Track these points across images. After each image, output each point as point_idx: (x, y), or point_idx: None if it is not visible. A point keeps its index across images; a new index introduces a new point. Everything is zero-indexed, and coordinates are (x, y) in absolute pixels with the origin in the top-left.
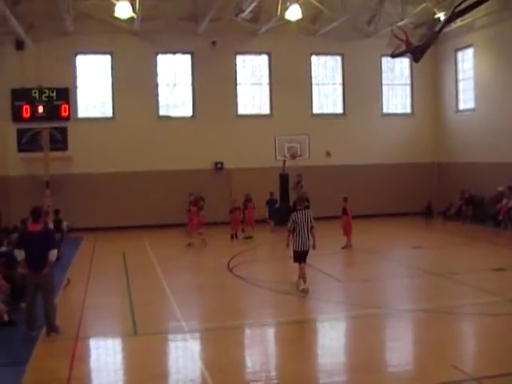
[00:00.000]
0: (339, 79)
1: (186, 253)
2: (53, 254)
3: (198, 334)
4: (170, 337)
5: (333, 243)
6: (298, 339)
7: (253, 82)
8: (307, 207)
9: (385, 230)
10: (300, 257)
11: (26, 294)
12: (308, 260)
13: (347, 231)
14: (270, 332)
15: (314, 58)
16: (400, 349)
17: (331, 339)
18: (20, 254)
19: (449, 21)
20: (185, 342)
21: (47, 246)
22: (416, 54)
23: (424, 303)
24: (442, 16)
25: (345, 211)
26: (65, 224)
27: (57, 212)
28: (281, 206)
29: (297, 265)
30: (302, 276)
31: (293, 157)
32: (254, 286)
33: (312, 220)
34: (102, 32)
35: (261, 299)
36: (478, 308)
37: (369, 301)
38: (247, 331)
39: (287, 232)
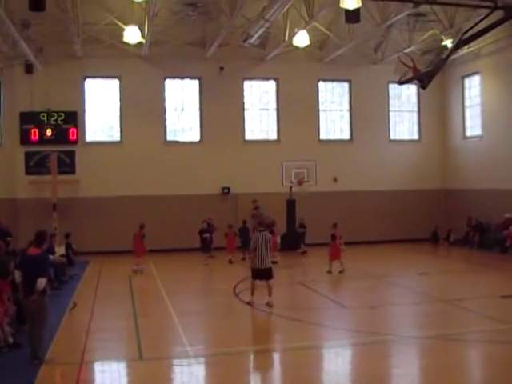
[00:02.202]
0: (346, 105)
1: (192, 277)
2: (40, 282)
3: (203, 359)
4: (176, 362)
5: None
6: (303, 365)
7: (260, 108)
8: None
9: (391, 256)
10: (257, 274)
11: (24, 318)
12: (314, 286)
13: (335, 256)
14: (276, 358)
15: (321, 84)
16: (406, 376)
17: (337, 366)
18: (18, 276)
19: (456, 48)
20: (190, 367)
21: (39, 270)
22: (423, 80)
23: (430, 330)
24: (449, 43)
25: (333, 237)
26: (73, 247)
27: (67, 235)
28: (287, 232)
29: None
30: (252, 290)
31: (300, 182)
32: (260, 311)
33: (270, 241)
34: (110, 56)
35: (267, 325)
36: (485, 335)
37: (375, 327)
38: (253, 357)
39: (251, 252)
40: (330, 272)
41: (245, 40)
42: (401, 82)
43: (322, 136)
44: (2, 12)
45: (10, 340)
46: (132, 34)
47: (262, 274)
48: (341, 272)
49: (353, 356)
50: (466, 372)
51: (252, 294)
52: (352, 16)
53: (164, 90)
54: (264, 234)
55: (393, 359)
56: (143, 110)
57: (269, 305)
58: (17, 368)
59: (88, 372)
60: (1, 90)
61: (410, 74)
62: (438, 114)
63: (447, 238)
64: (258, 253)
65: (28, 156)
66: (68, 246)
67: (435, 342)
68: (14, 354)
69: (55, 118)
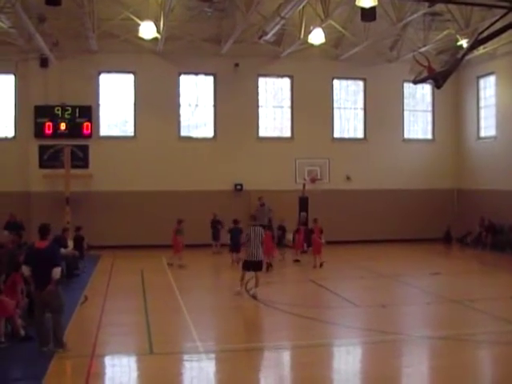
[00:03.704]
0: (361, 104)
1: (203, 273)
2: (55, 272)
3: (213, 355)
4: (186, 357)
5: (353, 269)
6: (313, 363)
7: (274, 105)
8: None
9: (403, 256)
10: (248, 265)
11: (34, 311)
12: (326, 284)
13: (315, 250)
14: (286, 355)
15: (335, 82)
16: (416, 376)
17: (347, 364)
18: (26, 270)
19: (472, 48)
20: (200, 362)
21: (51, 263)
22: (438, 80)
23: (442, 330)
24: (464, 43)
25: (311, 231)
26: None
27: (78, 229)
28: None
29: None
30: (241, 281)
31: (313, 180)
32: (271, 308)
33: (262, 235)
34: (125, 51)
35: (277, 322)
36: (497, 336)
37: (386, 326)
38: (262, 354)
39: (244, 244)
40: (297, 261)
41: (260, 37)
42: (416, 82)
43: (336, 134)
44: (19, 6)
45: (22, 333)
46: (147, 30)
47: (252, 265)
48: (321, 265)
49: (363, 355)
50: (477, 373)
51: (241, 284)
52: (368, 14)
53: (178, 86)
54: (256, 228)
55: (403, 359)
56: (157, 105)
57: (253, 296)
58: (28, 361)
59: (99, 365)
60: (16, 84)
61: (425, 74)
62: (453, 114)
63: (462, 240)
64: (250, 246)
65: (42, 149)
66: (79, 239)
67: (446, 342)
68: (26, 347)
69: (69, 112)
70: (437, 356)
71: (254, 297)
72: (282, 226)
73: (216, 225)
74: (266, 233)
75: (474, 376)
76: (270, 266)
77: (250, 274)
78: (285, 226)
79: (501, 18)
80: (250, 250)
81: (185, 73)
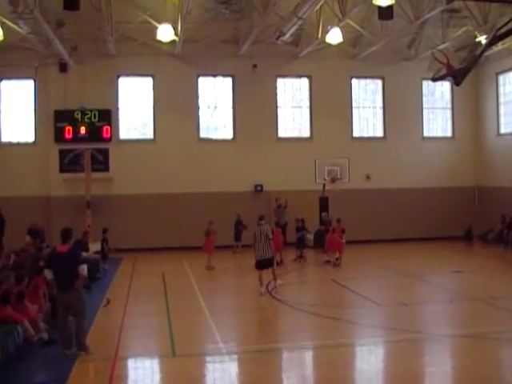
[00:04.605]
0: (379, 102)
1: (225, 274)
2: (82, 269)
3: (235, 356)
4: (208, 358)
5: (374, 268)
6: (335, 363)
7: (293, 105)
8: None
9: (424, 254)
10: (260, 264)
11: (57, 314)
12: (347, 284)
13: (337, 248)
14: (308, 355)
15: (354, 82)
16: (439, 374)
17: (370, 364)
18: (49, 274)
19: (490, 44)
20: (222, 364)
21: (73, 266)
22: (457, 77)
23: (464, 328)
24: (483, 39)
25: (333, 230)
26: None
27: (104, 231)
28: (319, 230)
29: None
30: (260, 281)
31: (333, 180)
32: (293, 308)
33: (269, 234)
34: (144, 54)
35: (299, 322)
36: None
37: (408, 325)
38: (285, 354)
39: (252, 244)
40: (328, 262)
41: (278, 37)
42: (434, 79)
43: (355, 133)
44: (37, 11)
45: (45, 336)
46: (165, 32)
47: (264, 263)
48: (336, 264)
49: (386, 354)
50: (500, 371)
51: (260, 284)
52: (385, 13)
53: (197, 88)
54: (261, 227)
55: (426, 357)
56: (176, 107)
57: (272, 289)
58: (51, 364)
59: (121, 368)
60: (36, 89)
61: (444, 71)
62: (472, 111)
63: (483, 237)
64: (258, 245)
65: (62, 154)
66: (104, 241)
67: (468, 340)
68: (49, 350)
69: (89, 115)
70: (459, 355)
71: (274, 289)
72: (301, 225)
73: (238, 226)
74: (275, 230)
75: (498, 375)
76: (279, 263)
77: (268, 274)
78: (302, 225)
79: None
80: (258, 250)
81: (203, 75)
